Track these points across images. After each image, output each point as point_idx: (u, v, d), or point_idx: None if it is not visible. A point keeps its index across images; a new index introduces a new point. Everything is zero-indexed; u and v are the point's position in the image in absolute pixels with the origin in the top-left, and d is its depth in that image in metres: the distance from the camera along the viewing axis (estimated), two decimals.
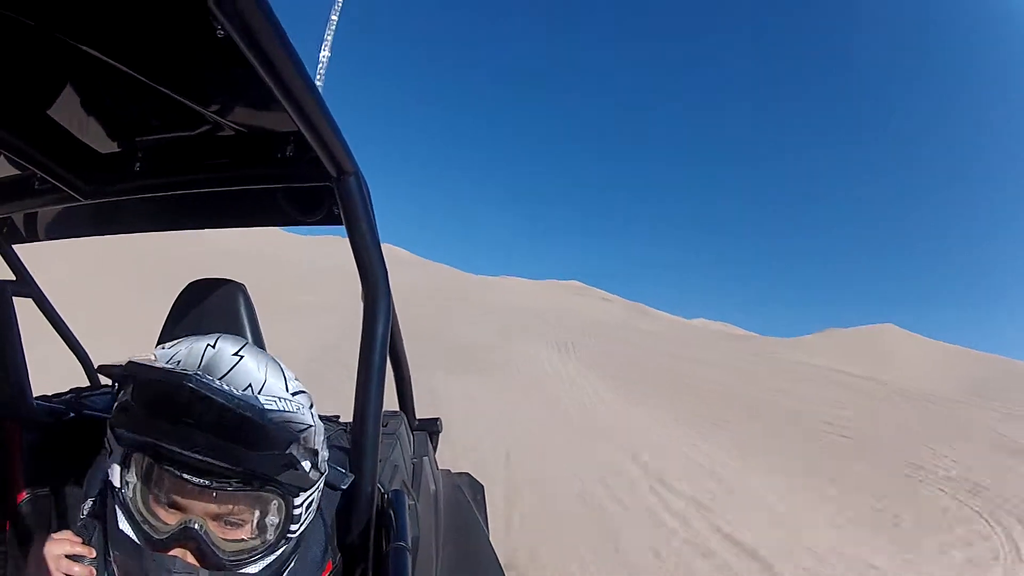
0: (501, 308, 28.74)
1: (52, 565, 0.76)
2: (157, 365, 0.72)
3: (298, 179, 1.15)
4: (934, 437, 10.99)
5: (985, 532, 6.13)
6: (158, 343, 1.15)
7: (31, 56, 0.90)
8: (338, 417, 1.69)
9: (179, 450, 0.69)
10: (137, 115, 1.12)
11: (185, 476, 0.71)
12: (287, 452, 0.74)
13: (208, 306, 1.19)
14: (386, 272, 1.16)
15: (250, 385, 0.73)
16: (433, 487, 1.92)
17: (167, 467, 0.71)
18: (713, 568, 4.38)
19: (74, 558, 0.77)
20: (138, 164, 1.21)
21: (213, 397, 0.67)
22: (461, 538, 1.86)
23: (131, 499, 0.74)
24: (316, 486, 0.81)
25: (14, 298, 1.46)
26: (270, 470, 0.73)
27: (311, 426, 0.76)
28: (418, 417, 2.25)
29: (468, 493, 2.33)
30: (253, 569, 0.76)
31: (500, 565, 1.78)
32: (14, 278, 1.66)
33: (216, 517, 0.74)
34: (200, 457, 0.69)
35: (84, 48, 0.86)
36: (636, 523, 5.05)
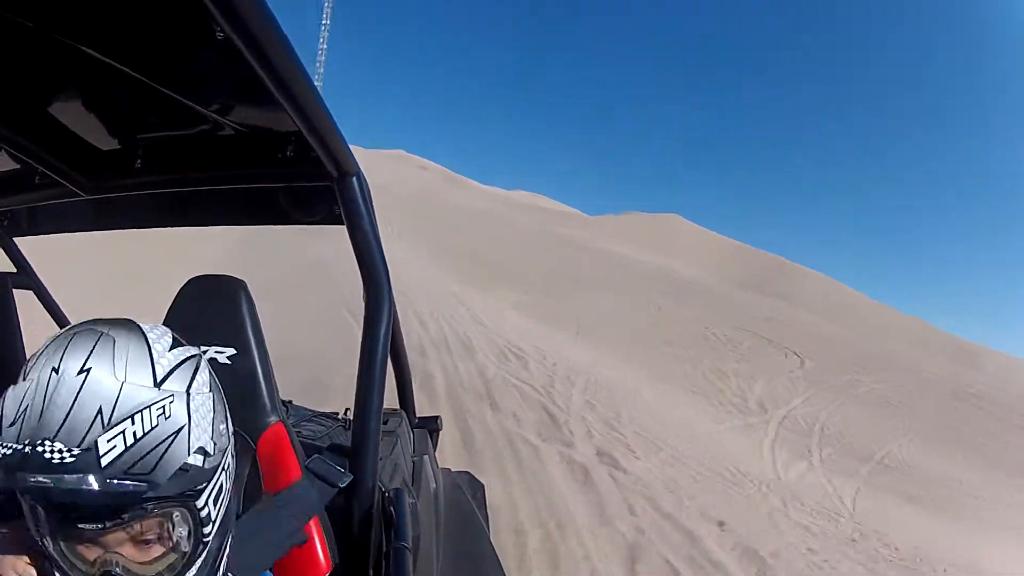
0: None
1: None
2: None
3: (299, 179, 1.15)
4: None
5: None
6: None
7: (34, 57, 0.91)
8: (337, 414, 1.70)
9: (67, 517, 0.64)
10: (138, 114, 1.12)
11: (79, 526, 0.64)
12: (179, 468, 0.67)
13: (208, 302, 1.17)
14: (387, 271, 1.16)
15: (99, 411, 0.62)
16: (433, 485, 1.92)
17: (60, 523, 0.65)
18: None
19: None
20: (139, 161, 1.20)
21: (50, 495, 0.60)
22: (461, 536, 1.86)
23: (50, 551, 0.67)
24: (218, 472, 0.72)
25: (15, 290, 1.48)
26: (159, 492, 0.65)
27: (182, 425, 0.66)
28: (418, 415, 2.25)
29: (468, 491, 2.34)
30: None
31: (500, 564, 1.78)
32: (15, 270, 1.65)
33: (133, 543, 0.68)
34: (87, 526, 0.64)
35: (86, 49, 0.86)
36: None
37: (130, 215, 1.50)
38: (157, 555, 0.69)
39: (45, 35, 0.84)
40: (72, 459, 0.60)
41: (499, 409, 4.97)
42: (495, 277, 14.87)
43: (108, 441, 0.61)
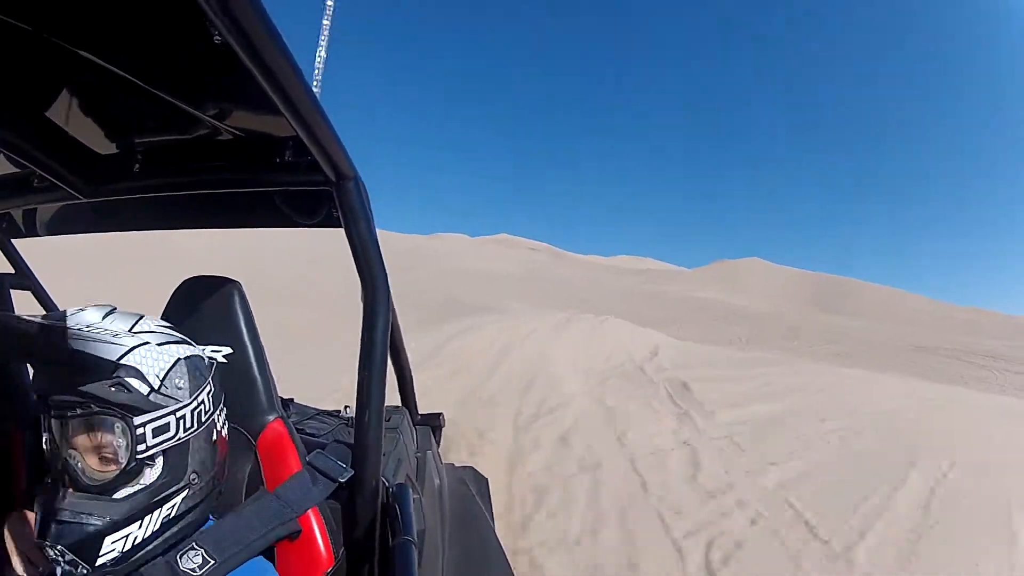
0: (447, 272, 36.30)
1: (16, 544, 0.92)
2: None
3: (297, 183, 1.15)
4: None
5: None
6: None
7: (32, 60, 0.91)
8: (339, 412, 1.72)
9: (40, 393, 0.86)
10: (136, 118, 1.13)
11: (52, 414, 0.86)
12: (114, 375, 0.84)
13: (203, 304, 1.18)
14: (385, 273, 1.17)
15: (75, 317, 0.86)
16: (437, 481, 1.93)
17: (49, 412, 0.86)
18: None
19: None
20: (137, 165, 1.21)
21: (22, 328, 0.80)
22: (466, 530, 1.88)
23: (47, 451, 0.88)
24: (163, 412, 0.90)
25: (12, 290, 1.52)
26: (100, 392, 0.84)
27: (134, 348, 0.87)
28: (420, 412, 2.28)
29: (472, 486, 2.34)
30: (118, 495, 0.87)
31: (506, 558, 1.80)
32: (12, 271, 1.67)
33: (93, 452, 0.87)
34: (56, 396, 0.85)
35: (84, 53, 0.86)
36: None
37: (128, 218, 1.49)
38: (107, 468, 0.87)
39: (43, 38, 0.84)
40: (62, 325, 0.84)
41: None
42: None
43: (88, 330, 0.85)
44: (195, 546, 0.92)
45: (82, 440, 0.85)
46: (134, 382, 0.86)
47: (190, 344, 0.97)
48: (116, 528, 0.85)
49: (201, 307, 1.17)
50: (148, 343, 0.89)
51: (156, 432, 0.88)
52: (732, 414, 6.00)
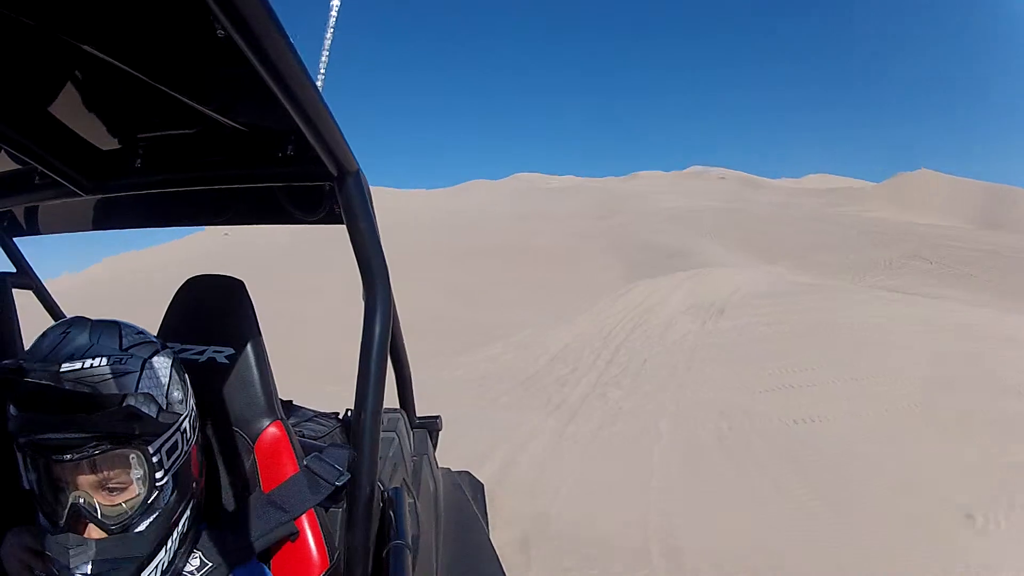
0: (644, 215, 41.25)
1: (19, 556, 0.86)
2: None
3: (299, 178, 1.15)
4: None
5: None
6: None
7: (33, 55, 0.90)
8: (338, 415, 1.73)
9: (40, 436, 0.75)
10: (138, 113, 1.12)
11: (54, 457, 0.76)
12: (124, 405, 0.78)
13: (206, 303, 1.19)
14: (386, 271, 1.16)
15: (73, 353, 0.77)
16: (433, 485, 1.96)
17: (43, 454, 0.77)
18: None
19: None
20: (139, 161, 1.20)
21: (30, 379, 0.73)
22: (461, 536, 1.90)
23: (37, 495, 0.80)
24: (172, 431, 0.84)
25: (15, 290, 1.55)
26: (111, 426, 0.77)
27: (134, 372, 0.80)
28: (418, 415, 2.29)
29: (468, 491, 2.37)
30: (141, 527, 0.82)
31: (500, 562, 1.82)
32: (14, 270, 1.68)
33: (100, 487, 0.80)
34: (56, 436, 0.75)
35: (86, 47, 0.86)
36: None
37: (130, 215, 1.51)
38: (121, 500, 0.81)
39: (45, 33, 0.83)
40: (61, 368, 0.75)
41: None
42: (770, 258, 24.16)
43: (86, 363, 0.76)
44: (193, 549, 0.91)
45: (91, 480, 0.79)
46: (145, 408, 0.80)
47: (165, 345, 0.91)
48: (147, 562, 0.82)
49: (203, 306, 1.18)
50: (147, 359, 0.83)
51: (169, 453, 0.83)
52: (729, 323, 10.37)
